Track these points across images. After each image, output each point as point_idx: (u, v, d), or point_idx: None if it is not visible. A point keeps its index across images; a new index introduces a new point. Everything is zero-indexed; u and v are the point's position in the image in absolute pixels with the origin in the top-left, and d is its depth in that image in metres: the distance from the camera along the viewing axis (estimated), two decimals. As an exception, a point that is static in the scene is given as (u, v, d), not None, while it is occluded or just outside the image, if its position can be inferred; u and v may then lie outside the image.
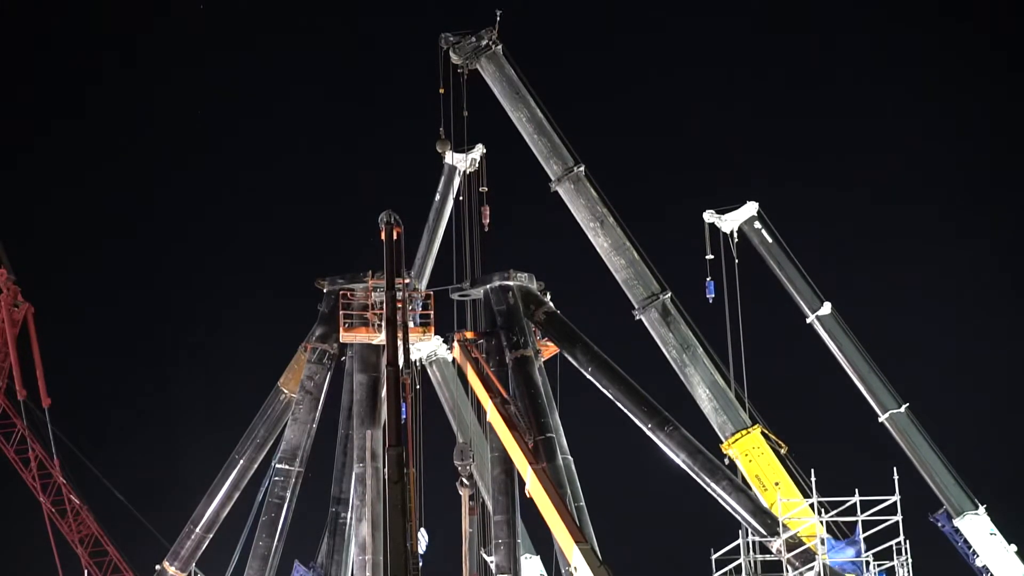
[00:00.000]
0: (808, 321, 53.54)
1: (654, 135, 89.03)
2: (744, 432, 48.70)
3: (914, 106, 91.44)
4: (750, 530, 45.07)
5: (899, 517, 42.28)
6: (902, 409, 53.04)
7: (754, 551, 44.74)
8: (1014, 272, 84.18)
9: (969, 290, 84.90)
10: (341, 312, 48.76)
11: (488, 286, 50.62)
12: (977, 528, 53.29)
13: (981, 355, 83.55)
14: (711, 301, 51.55)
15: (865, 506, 42.58)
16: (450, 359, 51.85)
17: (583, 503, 48.35)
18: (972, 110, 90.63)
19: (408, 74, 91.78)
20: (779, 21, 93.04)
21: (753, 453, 48.38)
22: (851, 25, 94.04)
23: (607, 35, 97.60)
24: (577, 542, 39.94)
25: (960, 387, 79.69)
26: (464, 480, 46.28)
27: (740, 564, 44.62)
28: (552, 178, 52.55)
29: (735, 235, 53.02)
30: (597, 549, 42.55)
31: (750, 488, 47.38)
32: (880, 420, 53.36)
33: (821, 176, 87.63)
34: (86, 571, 67.81)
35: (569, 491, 46.53)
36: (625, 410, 48.40)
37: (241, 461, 51.09)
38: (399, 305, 44.76)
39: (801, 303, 53.46)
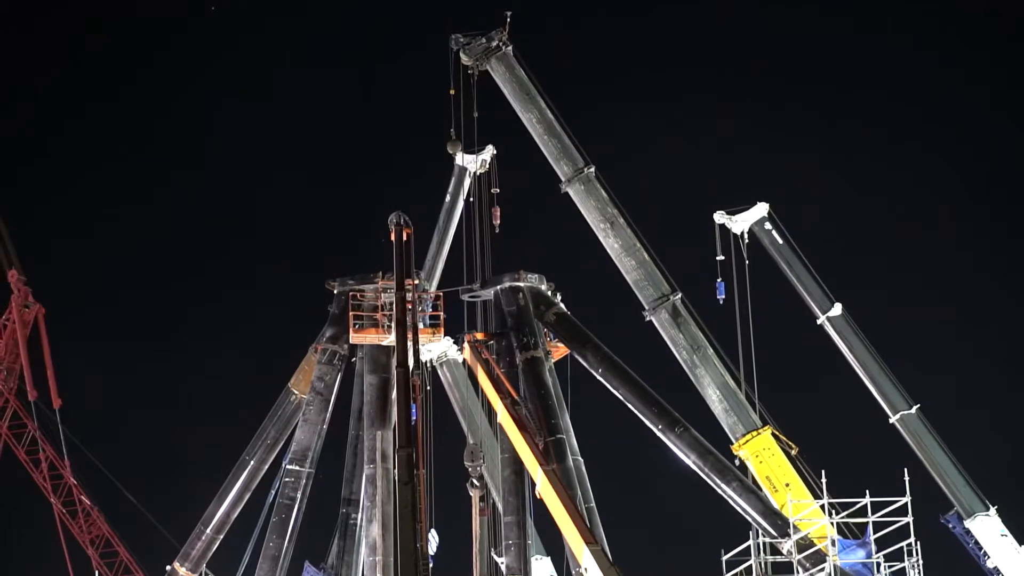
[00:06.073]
0: (819, 322, 53.46)
1: (661, 134, 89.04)
2: (755, 433, 48.67)
3: (914, 106, 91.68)
4: (761, 531, 45.03)
5: (910, 518, 42.21)
6: (913, 410, 52.94)
7: (765, 552, 44.70)
8: (1016, 270, 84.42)
9: (971, 289, 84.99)
10: (351, 313, 48.79)
11: (498, 287, 50.61)
12: (988, 529, 53.17)
13: (991, 355, 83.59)
14: (721, 302, 51.52)
15: (876, 507, 42.52)
16: (460, 360, 51.83)
17: (593, 504, 48.33)
18: (976, 111, 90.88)
19: (419, 74, 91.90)
20: (782, 21, 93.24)
21: (764, 454, 48.35)
22: (854, 24, 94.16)
23: (611, 35, 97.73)
24: (588, 543, 39.98)
25: (970, 387, 79.68)
26: (474, 481, 46.21)
27: (751, 565, 44.58)
28: (562, 179, 52.54)
29: (745, 236, 52.97)
30: (608, 550, 42.52)
31: (760, 489, 47.35)
32: (891, 421, 53.27)
33: (827, 176, 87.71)
34: (97, 572, 67.98)
35: (579, 492, 46.51)
36: (635, 411, 48.37)
37: (252, 462, 51.12)
38: (409, 306, 44.82)
39: (812, 304, 53.36)
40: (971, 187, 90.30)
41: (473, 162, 55.04)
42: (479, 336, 50.17)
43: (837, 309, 53.19)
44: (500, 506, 48.19)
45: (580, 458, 49.03)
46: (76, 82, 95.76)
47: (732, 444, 49.03)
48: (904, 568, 42.94)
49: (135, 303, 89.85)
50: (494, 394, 47.25)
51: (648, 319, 50.72)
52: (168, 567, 52.45)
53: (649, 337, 50.79)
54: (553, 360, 50.31)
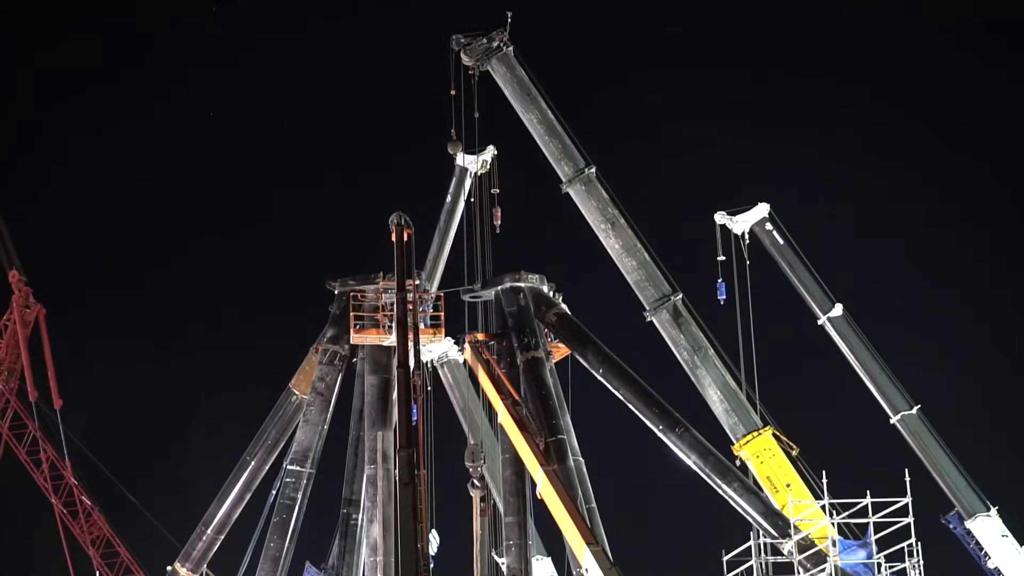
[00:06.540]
0: (820, 323, 53.49)
1: (664, 136, 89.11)
2: (756, 433, 48.67)
3: (915, 106, 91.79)
4: (761, 532, 45.03)
5: (911, 519, 42.20)
6: (914, 411, 53.01)
7: (765, 553, 44.70)
8: (1016, 270, 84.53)
9: (972, 289, 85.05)
10: (352, 314, 48.78)
11: (499, 287, 50.57)
12: (989, 530, 53.23)
13: (991, 355, 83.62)
14: (722, 302, 51.53)
15: (877, 508, 42.51)
16: (461, 361, 51.85)
17: (594, 504, 48.28)
18: (976, 111, 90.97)
19: (419, 73, 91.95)
20: (782, 21, 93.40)
21: (764, 455, 48.35)
22: (855, 24, 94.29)
23: (616, 35, 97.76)
24: (588, 544, 39.99)
25: (970, 387, 79.70)
26: (475, 482, 46.24)
27: (751, 566, 44.59)
28: (563, 179, 52.54)
29: (746, 236, 52.99)
30: (608, 551, 42.53)
31: (761, 490, 47.34)
32: (892, 422, 53.33)
33: (827, 176, 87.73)
34: (98, 572, 68.04)
35: (580, 493, 46.50)
36: (636, 412, 48.34)
37: (252, 462, 51.09)
38: (410, 307, 44.81)
39: (813, 305, 53.44)
40: (971, 187, 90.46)
41: (474, 162, 55.07)
42: (480, 336, 50.14)
43: (838, 310, 53.24)
44: (501, 506, 48.19)
45: (581, 458, 48.98)
46: (76, 82, 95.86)
47: (733, 444, 49.03)
48: (905, 569, 42.92)
49: (135, 303, 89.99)
50: (495, 394, 47.25)
51: (649, 319, 50.73)
52: (169, 567, 52.45)
53: (650, 337, 50.87)
54: (554, 360, 50.29)
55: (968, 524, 53.73)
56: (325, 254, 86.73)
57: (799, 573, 44.00)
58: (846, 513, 43.32)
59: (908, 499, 41.98)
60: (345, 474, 48.63)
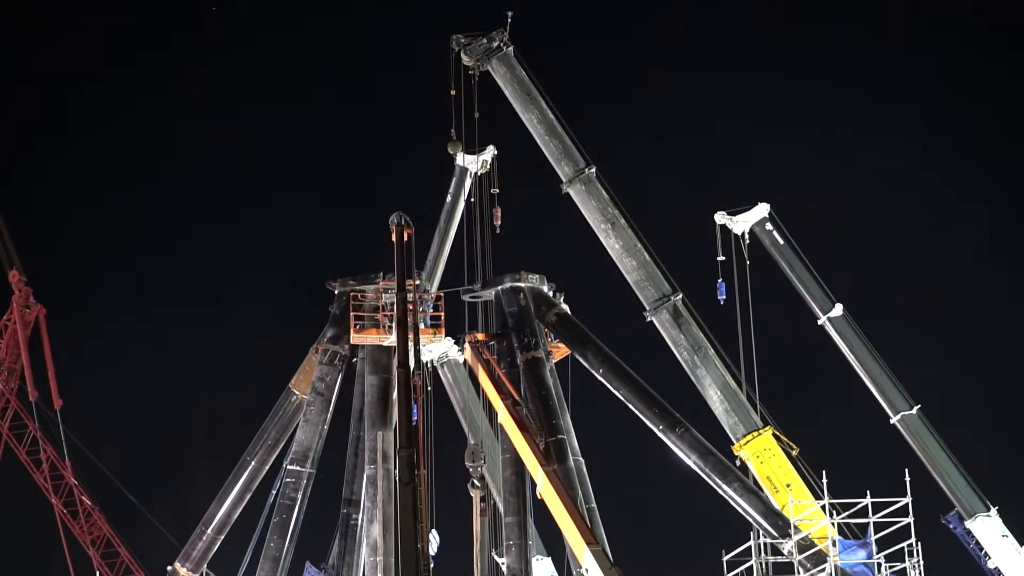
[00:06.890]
0: (820, 323, 53.48)
1: (664, 136, 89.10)
2: (756, 434, 48.66)
3: (915, 107, 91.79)
4: (762, 532, 45.02)
5: (911, 519, 42.20)
6: (914, 411, 53.00)
7: (766, 553, 44.69)
8: (1016, 270, 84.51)
9: (972, 289, 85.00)
10: (352, 314, 48.79)
11: (499, 288, 50.57)
12: (989, 530, 53.20)
13: (991, 355, 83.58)
14: (722, 302, 51.53)
15: (877, 508, 42.51)
16: (461, 361, 51.84)
17: (594, 504, 48.28)
18: (977, 112, 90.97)
19: (418, 74, 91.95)
20: (782, 21, 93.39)
21: (764, 455, 48.34)
22: (855, 25, 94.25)
23: (616, 34, 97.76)
24: (588, 544, 40.01)
25: (970, 387, 79.67)
26: (475, 482, 46.22)
27: (752, 566, 44.58)
28: (563, 180, 52.53)
29: (746, 236, 52.98)
30: (608, 551, 42.53)
31: (761, 490, 47.34)
32: (892, 422, 53.31)
33: (827, 177, 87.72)
34: (98, 572, 68.02)
35: (580, 493, 46.49)
36: (636, 412, 48.34)
37: (252, 462, 51.09)
38: (410, 307, 44.82)
39: (813, 305, 53.42)
40: (971, 187, 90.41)
41: (474, 162, 55.06)
42: (480, 336, 50.14)
43: (838, 310, 53.22)
44: (501, 506, 48.19)
45: (581, 459, 48.99)
46: (76, 82, 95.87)
47: (733, 444, 49.03)
48: (905, 569, 42.92)
49: (135, 303, 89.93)
50: (495, 394, 47.26)
51: (649, 319, 50.72)
52: (169, 567, 52.45)
53: (650, 337, 50.86)
54: (554, 360, 50.28)
55: (968, 524, 53.71)
56: (325, 254, 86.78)
57: (799, 573, 43.99)
58: (846, 513, 43.31)
59: (908, 499, 41.97)
60: (345, 474, 48.64)
